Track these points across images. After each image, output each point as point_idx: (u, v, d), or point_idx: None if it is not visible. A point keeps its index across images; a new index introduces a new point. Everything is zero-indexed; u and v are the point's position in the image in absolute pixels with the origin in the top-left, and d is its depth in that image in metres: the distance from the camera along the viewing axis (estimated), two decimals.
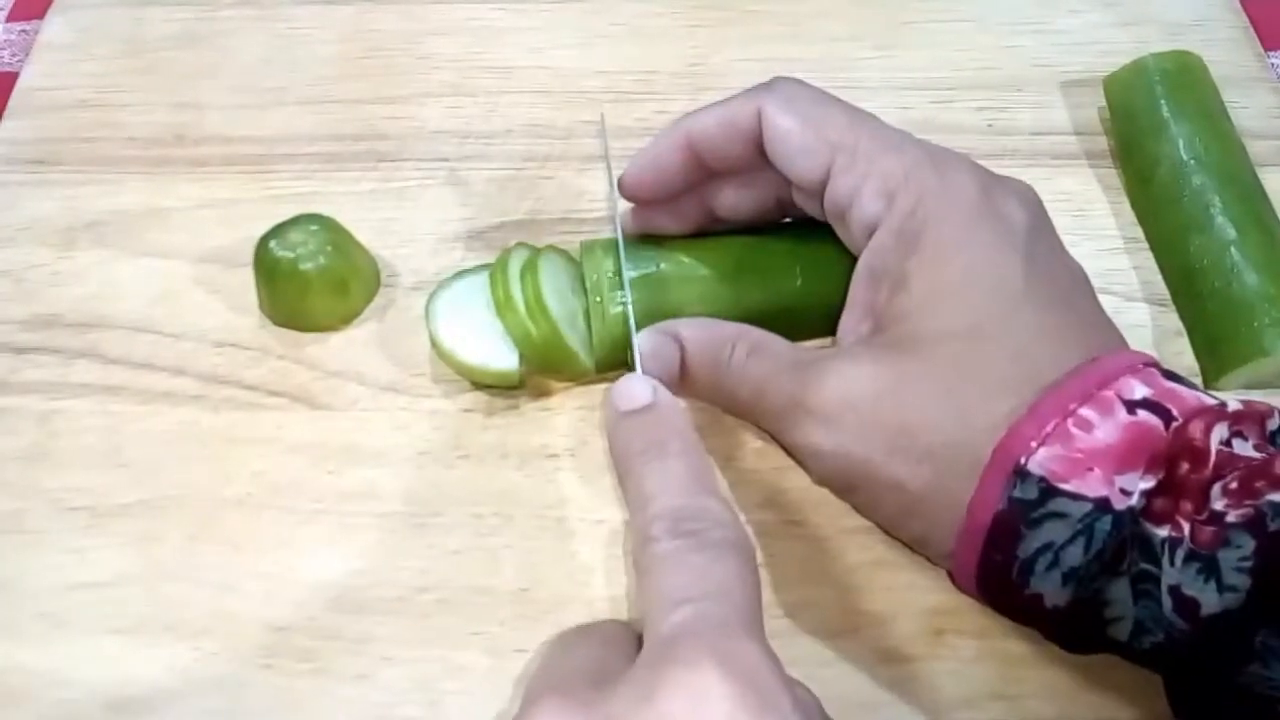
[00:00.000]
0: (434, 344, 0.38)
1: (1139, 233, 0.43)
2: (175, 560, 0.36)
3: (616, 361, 0.37)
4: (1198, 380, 0.39)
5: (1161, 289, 0.42)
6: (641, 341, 0.35)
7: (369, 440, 0.38)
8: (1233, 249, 0.39)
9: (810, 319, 0.38)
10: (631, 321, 0.36)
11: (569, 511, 0.37)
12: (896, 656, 0.34)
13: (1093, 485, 0.28)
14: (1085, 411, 0.29)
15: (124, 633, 0.35)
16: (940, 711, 0.33)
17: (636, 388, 0.31)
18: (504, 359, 0.37)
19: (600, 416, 0.39)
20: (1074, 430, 0.29)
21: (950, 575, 0.33)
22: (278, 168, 0.45)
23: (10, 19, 0.53)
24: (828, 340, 0.38)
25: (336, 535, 0.36)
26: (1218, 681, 0.28)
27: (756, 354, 0.35)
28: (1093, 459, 0.28)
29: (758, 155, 0.35)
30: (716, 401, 0.36)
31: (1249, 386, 0.39)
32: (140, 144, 0.46)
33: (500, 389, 0.39)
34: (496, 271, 0.37)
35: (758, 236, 0.39)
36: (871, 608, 0.35)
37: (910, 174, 0.33)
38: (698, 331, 0.35)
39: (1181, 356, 0.40)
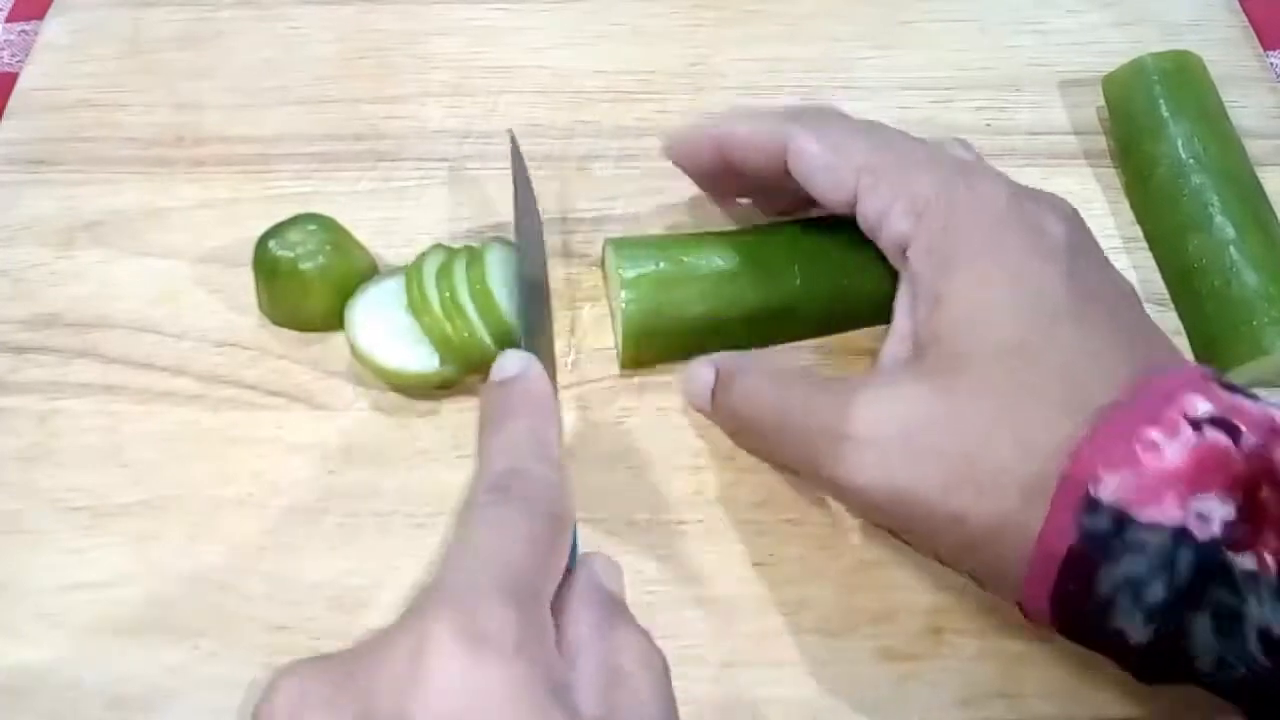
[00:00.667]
0: (353, 351, 0.38)
1: (1138, 232, 0.43)
2: (175, 560, 0.36)
3: (646, 359, 0.39)
4: None
5: (1160, 288, 0.42)
6: (687, 369, 0.37)
7: (369, 440, 0.38)
8: (1231, 248, 0.39)
9: (810, 318, 0.38)
10: (517, 308, 0.37)
11: None
12: (896, 655, 0.34)
13: (1168, 512, 0.27)
14: (1151, 434, 0.28)
15: (124, 633, 0.35)
16: (940, 710, 0.33)
17: (510, 361, 0.32)
18: (423, 360, 0.37)
19: (596, 416, 0.39)
20: (1141, 454, 0.27)
21: (1020, 608, 0.31)
22: (277, 168, 0.45)
23: (10, 19, 0.53)
24: (826, 340, 0.38)
25: (336, 535, 0.36)
26: None
27: (792, 383, 0.34)
28: (1164, 483, 0.27)
29: (784, 174, 0.35)
30: (749, 433, 0.36)
31: (1248, 385, 0.39)
32: (140, 144, 0.46)
33: (426, 391, 0.39)
34: (412, 273, 0.38)
35: (758, 235, 0.39)
36: (871, 606, 0.35)
37: (939, 190, 0.32)
38: (733, 363, 0.36)
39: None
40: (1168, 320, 0.41)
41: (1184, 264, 0.40)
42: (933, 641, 0.34)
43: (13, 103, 0.48)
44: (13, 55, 0.51)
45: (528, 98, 0.47)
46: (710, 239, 0.39)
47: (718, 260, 0.38)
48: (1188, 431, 0.28)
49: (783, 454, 0.35)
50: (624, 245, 0.38)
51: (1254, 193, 0.41)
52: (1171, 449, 0.27)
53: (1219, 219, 0.40)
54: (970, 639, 0.34)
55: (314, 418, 0.39)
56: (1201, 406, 0.28)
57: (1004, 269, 0.31)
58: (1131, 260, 0.42)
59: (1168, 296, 0.41)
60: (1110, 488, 0.27)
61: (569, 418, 0.39)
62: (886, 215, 0.33)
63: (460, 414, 0.39)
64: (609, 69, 0.48)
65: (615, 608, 0.28)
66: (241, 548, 0.36)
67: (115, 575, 0.36)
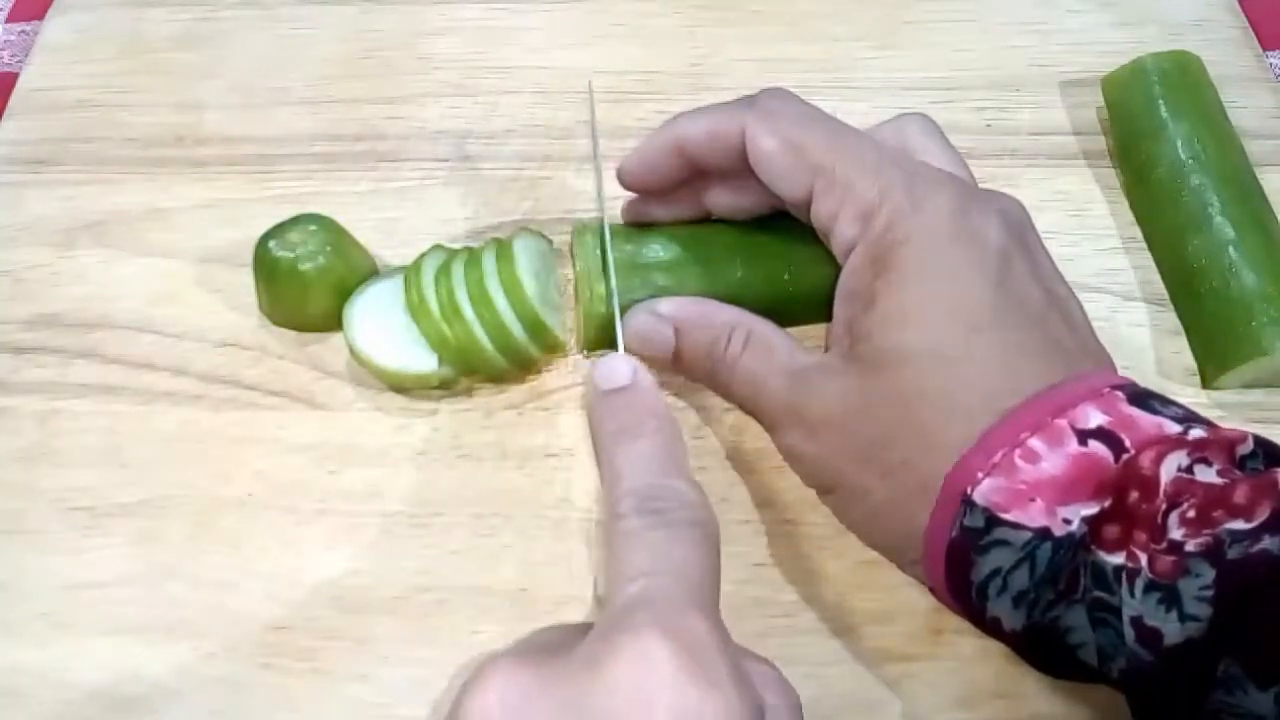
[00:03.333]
0: (352, 351, 0.38)
1: (1137, 232, 0.43)
2: (175, 560, 0.36)
3: (603, 342, 0.38)
4: (1196, 380, 0.39)
5: (1160, 288, 0.42)
6: (630, 321, 0.36)
7: (369, 440, 0.38)
8: (1231, 248, 0.39)
9: (801, 308, 0.38)
10: (615, 304, 0.37)
11: (569, 511, 0.37)
12: (896, 655, 0.34)
13: (1033, 515, 0.29)
14: (1034, 442, 0.29)
15: (124, 633, 0.35)
16: (940, 710, 0.33)
17: (619, 367, 0.33)
18: (421, 361, 0.37)
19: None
20: (1020, 463, 0.29)
21: (931, 590, 0.33)
22: (278, 168, 0.45)
23: (10, 19, 0.53)
24: (822, 327, 0.38)
25: (336, 535, 0.36)
26: (1182, 707, 0.28)
27: (752, 348, 0.35)
28: (1036, 490, 0.29)
29: (745, 165, 0.35)
30: (710, 387, 0.37)
31: (1247, 386, 0.39)
32: (140, 144, 0.46)
33: (425, 391, 0.39)
34: (410, 274, 0.38)
35: (748, 224, 0.39)
36: (871, 607, 0.35)
37: (885, 197, 0.33)
38: (692, 316, 0.36)
39: (1180, 356, 0.40)
40: (1167, 320, 0.41)
41: (1183, 264, 0.40)
42: (932, 642, 0.34)
43: (13, 103, 0.48)
44: (13, 55, 0.51)
45: (528, 98, 0.47)
46: (703, 227, 0.39)
47: (708, 248, 0.38)
48: (1072, 443, 0.29)
49: (746, 410, 0.37)
50: (613, 231, 0.39)
51: (1253, 193, 0.41)
52: (1051, 459, 0.29)
53: (1218, 219, 0.40)
54: (969, 639, 0.34)
55: (314, 418, 0.39)
56: (1094, 419, 0.29)
57: (935, 277, 0.32)
58: (1131, 260, 0.42)
59: (1167, 296, 0.41)
60: (984, 490, 0.29)
61: (569, 417, 0.39)
62: (836, 219, 0.34)
63: (459, 414, 0.39)
64: (609, 69, 0.48)
65: (738, 646, 0.29)
66: (241, 548, 0.36)
67: (115, 575, 0.36)
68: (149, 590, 0.35)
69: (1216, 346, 0.39)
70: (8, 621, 0.35)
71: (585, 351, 0.40)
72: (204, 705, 0.34)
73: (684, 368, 0.37)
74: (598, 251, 0.38)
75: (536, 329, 0.38)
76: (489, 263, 0.38)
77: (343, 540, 0.36)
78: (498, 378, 0.39)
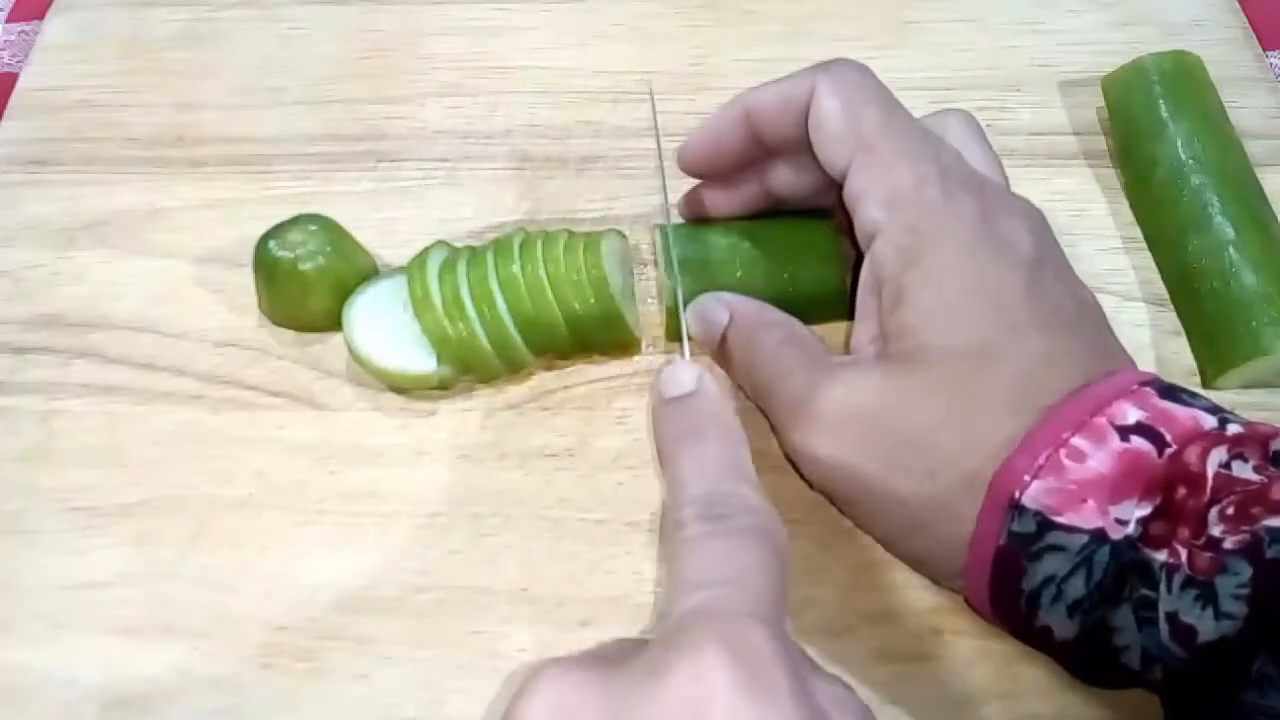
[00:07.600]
0: (352, 351, 0.38)
1: (1137, 232, 0.43)
2: (175, 560, 0.36)
3: (673, 333, 0.39)
4: (1196, 380, 0.39)
5: (1160, 289, 0.42)
6: (698, 303, 0.37)
7: (369, 440, 0.38)
8: (1231, 249, 0.39)
9: (800, 308, 0.38)
10: (681, 302, 0.37)
11: (568, 512, 0.37)
12: (896, 655, 0.34)
13: (1087, 517, 0.28)
14: (1077, 441, 0.29)
15: (124, 633, 0.35)
16: (939, 710, 0.33)
17: (682, 374, 0.32)
18: (420, 362, 0.38)
19: (596, 416, 0.39)
20: (1066, 462, 0.29)
21: (967, 601, 0.33)
22: (278, 168, 0.45)
23: (10, 19, 0.53)
24: (825, 327, 0.38)
25: (336, 535, 0.36)
26: (1213, 707, 0.27)
27: (789, 344, 0.35)
28: (1086, 490, 0.28)
29: (806, 138, 0.35)
30: (742, 379, 0.37)
31: (1247, 386, 0.39)
32: (140, 144, 0.46)
33: (425, 392, 0.39)
34: (414, 269, 0.38)
35: (748, 224, 0.39)
36: (871, 607, 0.35)
37: (917, 187, 0.33)
38: (748, 308, 0.37)
39: (1180, 356, 0.40)
40: (1167, 320, 0.41)
41: (1184, 264, 0.40)
42: (932, 641, 0.34)
43: (13, 103, 0.48)
44: (13, 55, 0.51)
45: (528, 98, 0.47)
46: (756, 223, 0.39)
47: (760, 245, 0.39)
48: (1115, 440, 0.29)
49: (766, 407, 0.36)
50: (674, 230, 0.39)
51: (1253, 193, 0.41)
52: (1097, 457, 0.29)
53: (1218, 219, 0.40)
54: (969, 639, 0.34)
55: (314, 418, 0.39)
56: (1131, 414, 0.29)
57: (969, 275, 0.32)
58: (1131, 260, 0.42)
59: (1167, 296, 0.41)
60: (1034, 493, 0.29)
61: (568, 419, 0.39)
62: (865, 197, 0.33)
63: (459, 414, 0.39)
64: (609, 69, 0.48)
65: (803, 655, 0.28)
66: (241, 548, 0.36)
67: (115, 575, 0.36)
68: (149, 590, 0.35)
69: (1216, 346, 0.39)
70: (8, 621, 0.35)
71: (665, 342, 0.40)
72: (204, 705, 0.34)
73: (726, 351, 0.37)
74: (670, 251, 0.38)
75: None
76: (490, 261, 0.38)
77: (343, 540, 0.36)
78: (491, 377, 0.39)
